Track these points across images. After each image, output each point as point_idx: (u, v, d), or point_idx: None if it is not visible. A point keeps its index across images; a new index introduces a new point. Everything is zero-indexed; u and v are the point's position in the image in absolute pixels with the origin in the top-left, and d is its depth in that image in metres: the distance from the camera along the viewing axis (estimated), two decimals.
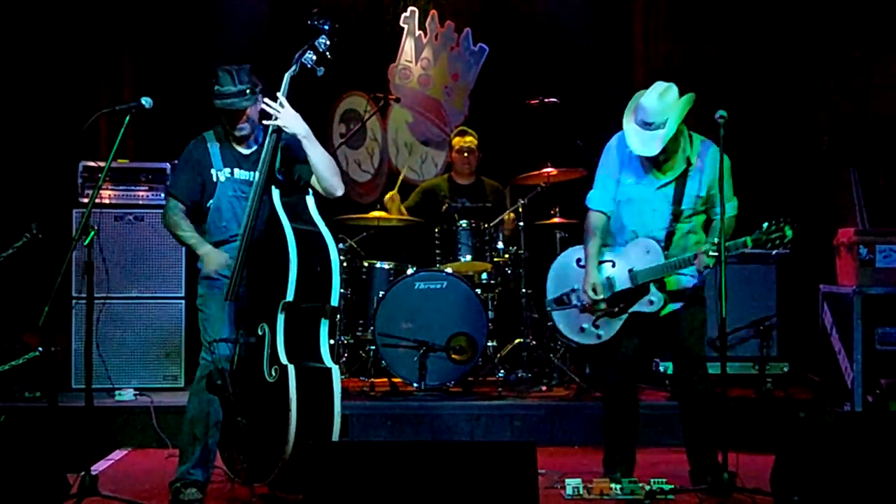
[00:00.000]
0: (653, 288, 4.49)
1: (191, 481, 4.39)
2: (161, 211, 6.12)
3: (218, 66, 4.42)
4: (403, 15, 7.79)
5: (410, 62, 7.84)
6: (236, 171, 4.47)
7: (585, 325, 4.62)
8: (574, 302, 4.65)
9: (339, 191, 4.51)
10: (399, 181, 6.96)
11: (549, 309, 4.73)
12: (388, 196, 6.84)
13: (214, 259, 4.39)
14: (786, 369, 6.10)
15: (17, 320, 5.97)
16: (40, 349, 5.04)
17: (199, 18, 7.35)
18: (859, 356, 5.57)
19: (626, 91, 7.24)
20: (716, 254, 4.28)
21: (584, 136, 6.44)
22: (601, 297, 4.53)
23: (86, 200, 6.00)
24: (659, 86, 4.42)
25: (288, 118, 4.33)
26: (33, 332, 5.66)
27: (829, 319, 5.95)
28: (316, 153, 4.41)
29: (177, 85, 7.02)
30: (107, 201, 6.24)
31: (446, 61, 7.84)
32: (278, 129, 4.35)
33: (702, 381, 4.60)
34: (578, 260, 4.69)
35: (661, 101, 4.38)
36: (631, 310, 4.54)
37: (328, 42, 4.44)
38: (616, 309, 4.55)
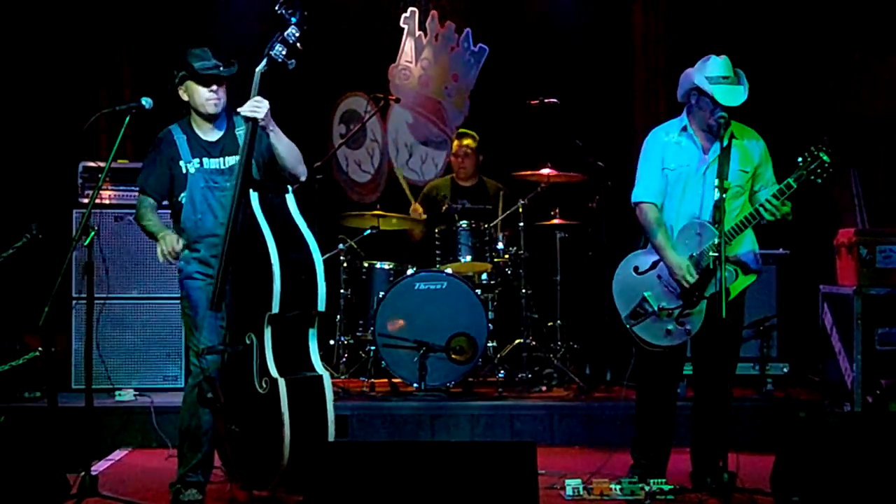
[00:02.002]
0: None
1: (191, 482, 4.40)
2: (161, 212, 6.19)
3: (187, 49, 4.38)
4: (403, 15, 7.78)
5: (410, 62, 7.84)
6: (205, 160, 4.40)
7: (671, 327, 4.54)
8: (650, 310, 4.56)
9: (303, 176, 4.44)
10: (411, 191, 6.96)
11: (628, 326, 4.61)
12: (412, 209, 6.89)
13: (164, 244, 4.23)
14: (786, 370, 6.10)
15: (17, 320, 5.97)
16: (40, 349, 5.04)
17: (198, 19, 7.34)
18: (859, 356, 5.56)
19: (625, 89, 7.42)
20: (780, 197, 4.30)
21: (584, 136, 6.45)
22: (694, 279, 4.47)
23: (86, 200, 6.00)
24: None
25: (265, 115, 4.20)
26: (33, 332, 5.66)
27: (829, 319, 5.95)
28: (283, 144, 4.32)
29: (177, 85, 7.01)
30: (107, 201, 6.25)
31: (446, 61, 7.83)
32: (255, 121, 4.20)
33: (730, 385, 4.62)
34: (636, 268, 4.63)
35: (727, 60, 4.47)
36: (707, 293, 4.47)
37: (298, 32, 4.23)
38: (693, 298, 4.50)
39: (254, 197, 4.19)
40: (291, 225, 4.28)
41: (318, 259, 4.27)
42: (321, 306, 4.25)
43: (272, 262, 4.09)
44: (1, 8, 6.80)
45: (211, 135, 4.44)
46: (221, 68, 4.32)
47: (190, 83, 4.36)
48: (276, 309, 4.10)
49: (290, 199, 4.32)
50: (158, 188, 4.44)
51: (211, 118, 4.41)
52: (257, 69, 4.25)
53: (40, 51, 6.95)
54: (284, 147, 4.33)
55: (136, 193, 4.51)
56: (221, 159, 4.40)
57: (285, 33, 4.24)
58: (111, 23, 7.19)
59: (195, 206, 4.37)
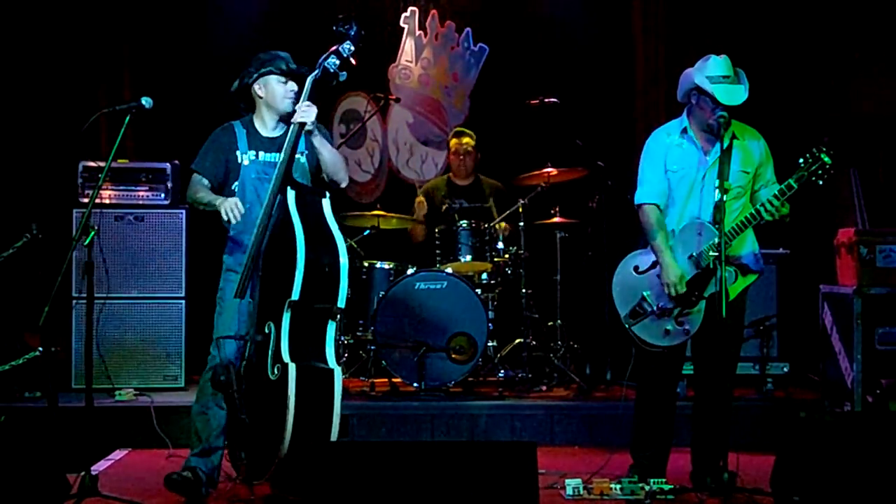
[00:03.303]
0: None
1: (188, 467, 4.47)
2: (161, 211, 6.24)
3: (257, 54, 4.58)
4: (403, 15, 7.78)
5: (410, 62, 7.84)
6: (261, 153, 4.55)
7: (670, 327, 4.53)
8: (649, 309, 4.56)
9: (345, 182, 4.66)
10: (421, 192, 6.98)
11: (627, 325, 4.60)
12: (417, 200, 6.91)
13: (227, 205, 4.35)
14: (786, 369, 6.10)
15: (17, 320, 5.97)
16: (40, 349, 5.04)
17: (198, 18, 7.35)
18: (859, 356, 5.57)
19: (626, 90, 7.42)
20: (781, 198, 4.32)
21: (584, 136, 6.45)
22: (683, 289, 4.47)
23: (86, 200, 6.00)
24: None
25: (313, 117, 4.41)
26: (33, 332, 5.66)
27: (829, 319, 5.95)
28: (326, 150, 4.52)
29: (177, 85, 7.02)
30: (107, 201, 6.25)
31: (446, 61, 7.83)
32: (302, 125, 4.39)
33: (730, 384, 4.63)
34: (636, 267, 4.64)
35: (727, 60, 4.48)
36: (706, 293, 4.47)
37: (353, 48, 4.48)
38: (693, 298, 4.50)
39: (291, 195, 4.32)
40: (323, 225, 4.40)
41: (345, 259, 4.38)
42: (342, 303, 4.37)
43: (298, 251, 4.20)
44: (1, 8, 6.80)
45: (271, 133, 4.60)
46: (301, 71, 4.54)
47: (272, 79, 4.53)
48: (296, 296, 4.19)
49: (327, 203, 4.46)
50: (214, 171, 4.56)
51: (284, 116, 4.56)
52: (310, 77, 4.47)
53: (40, 51, 6.95)
54: (328, 153, 4.54)
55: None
56: (277, 154, 4.52)
57: (340, 47, 4.49)
58: (111, 23, 7.18)
59: (245, 196, 4.48)
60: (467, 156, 6.91)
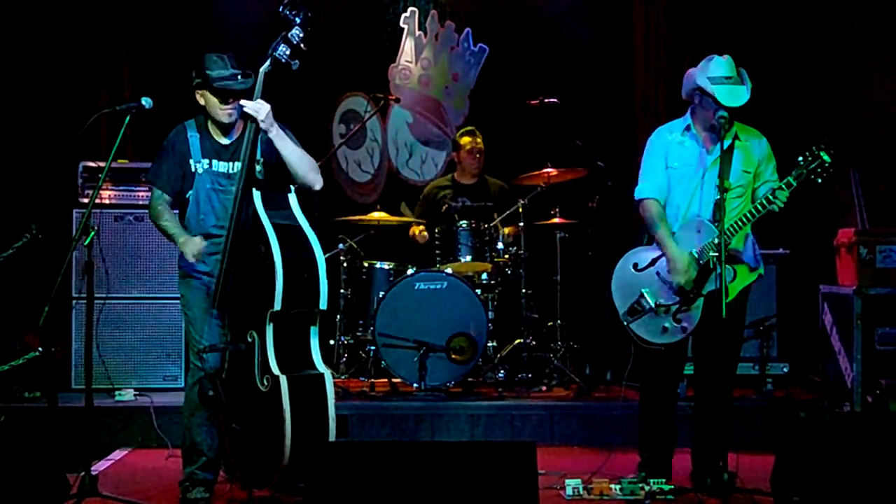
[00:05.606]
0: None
1: (198, 480, 4.40)
2: None
3: (204, 53, 4.35)
4: (403, 15, 7.78)
5: (410, 62, 7.84)
6: (215, 162, 4.39)
7: (667, 325, 4.53)
8: (647, 307, 4.55)
9: (318, 185, 4.41)
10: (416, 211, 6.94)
11: (625, 323, 4.59)
12: (415, 231, 6.83)
13: (191, 247, 4.28)
14: (786, 369, 6.10)
15: (17, 320, 5.97)
16: (40, 349, 5.04)
17: (198, 19, 7.34)
18: (859, 356, 5.56)
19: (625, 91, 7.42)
20: (785, 196, 4.31)
21: (584, 137, 6.45)
22: (693, 275, 4.47)
23: (86, 200, 6.00)
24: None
25: (266, 115, 4.22)
26: (33, 332, 5.66)
27: (829, 319, 5.95)
28: (288, 149, 4.30)
29: (177, 85, 7.00)
30: (107, 201, 6.25)
31: (446, 61, 7.83)
32: (257, 126, 4.24)
33: (730, 384, 4.63)
34: (635, 265, 4.63)
35: (730, 60, 4.48)
36: (705, 291, 4.47)
37: (302, 33, 4.25)
38: (691, 295, 4.50)
39: (256, 196, 4.23)
40: (294, 223, 4.31)
41: (321, 257, 4.29)
42: (323, 304, 4.28)
43: (275, 259, 4.12)
44: (1, 7, 6.80)
45: (224, 138, 4.44)
46: (239, 77, 4.28)
47: (206, 91, 4.33)
48: (278, 306, 4.12)
49: (293, 198, 4.36)
50: (172, 182, 4.42)
51: (225, 127, 4.41)
52: (261, 69, 4.28)
53: (40, 50, 6.95)
54: (291, 152, 4.31)
55: (148, 190, 4.53)
56: (231, 163, 4.39)
57: (289, 34, 4.26)
58: (111, 22, 7.18)
59: (199, 206, 4.38)
60: (481, 154, 6.90)
